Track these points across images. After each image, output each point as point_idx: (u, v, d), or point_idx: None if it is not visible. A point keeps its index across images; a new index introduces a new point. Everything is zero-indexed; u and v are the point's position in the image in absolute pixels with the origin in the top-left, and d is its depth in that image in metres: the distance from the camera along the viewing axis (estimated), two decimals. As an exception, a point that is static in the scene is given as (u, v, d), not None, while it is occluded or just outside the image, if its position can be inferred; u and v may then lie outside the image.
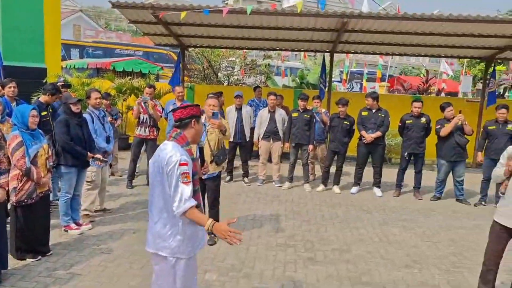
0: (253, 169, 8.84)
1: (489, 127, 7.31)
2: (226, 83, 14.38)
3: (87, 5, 55.31)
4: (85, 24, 30.24)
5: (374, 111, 7.61)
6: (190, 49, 12.76)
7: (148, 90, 7.39)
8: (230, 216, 5.69)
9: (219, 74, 14.70)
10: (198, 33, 9.94)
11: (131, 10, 8.39)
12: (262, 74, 15.59)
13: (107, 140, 5.75)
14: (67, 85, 7.23)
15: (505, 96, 20.17)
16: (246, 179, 8.21)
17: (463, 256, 5.12)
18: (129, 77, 11.07)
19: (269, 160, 8.19)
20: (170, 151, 2.72)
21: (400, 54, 12.03)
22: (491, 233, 3.93)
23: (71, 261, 4.48)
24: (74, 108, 5.09)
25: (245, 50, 14.62)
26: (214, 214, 5.26)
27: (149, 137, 7.42)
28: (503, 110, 7.19)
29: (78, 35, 27.45)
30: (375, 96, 7.67)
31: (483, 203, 7.34)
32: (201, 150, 3.39)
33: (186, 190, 2.65)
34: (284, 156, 8.51)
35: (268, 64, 15.35)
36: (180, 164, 2.66)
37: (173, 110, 2.97)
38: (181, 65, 10.55)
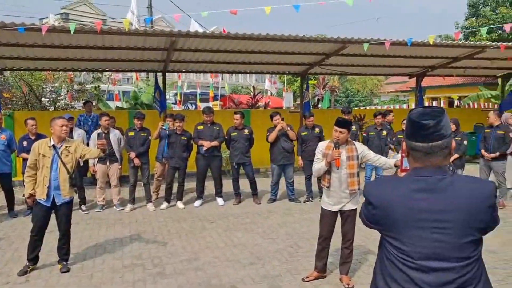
0: (91, 196, 8.32)
1: (302, 133, 8.29)
2: (52, 108, 13.27)
3: None
4: None
5: (209, 125, 7.96)
6: (6, 72, 11.44)
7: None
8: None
9: (42, 99, 13.47)
10: (14, 54, 9.01)
11: None
12: (91, 98, 14.84)
13: None
14: None
15: (318, 106, 23.06)
16: (83, 207, 7.67)
17: (298, 246, 5.69)
18: None
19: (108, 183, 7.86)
20: None
21: (228, 72, 12.81)
22: (322, 219, 4.49)
23: None
24: None
25: (71, 73, 13.72)
26: (64, 243, 4.97)
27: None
28: (311, 118, 8.27)
29: None
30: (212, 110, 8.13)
31: (310, 199, 8.27)
32: None
33: None
34: (122, 179, 8.29)
35: (98, 87, 14.66)
36: None
37: None
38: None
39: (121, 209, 7.68)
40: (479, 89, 19.68)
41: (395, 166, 4.23)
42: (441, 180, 1.75)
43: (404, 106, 23.46)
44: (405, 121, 8.47)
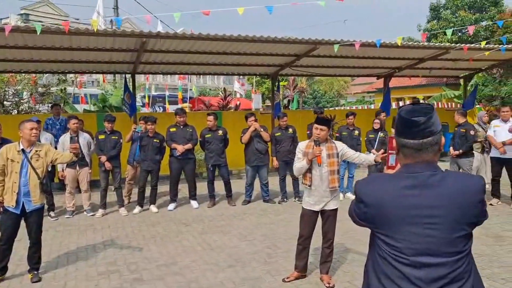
0: (59, 202, 8.05)
1: (276, 134, 8.30)
2: (16, 112, 12.77)
3: None
4: None
5: (182, 127, 7.85)
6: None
7: None
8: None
9: (4, 102, 12.93)
10: (-27, 56, 8.62)
11: None
12: (57, 101, 14.38)
13: None
14: None
15: (289, 107, 23.23)
16: (52, 213, 7.40)
17: (276, 247, 5.68)
18: None
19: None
20: None
21: (199, 73, 12.69)
22: (303, 219, 4.49)
23: None
24: None
25: (34, 75, 13.25)
26: (35, 252, 4.77)
27: None
28: (285, 118, 8.30)
29: None
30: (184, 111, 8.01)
31: (285, 199, 8.29)
32: None
33: None
34: (93, 184, 8.07)
35: (65, 89, 14.21)
36: None
37: None
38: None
39: (92, 215, 7.46)
40: (442, 89, 20.33)
41: (375, 162, 4.37)
42: (432, 176, 1.77)
43: (372, 106, 23.94)
44: (376, 121, 8.64)
